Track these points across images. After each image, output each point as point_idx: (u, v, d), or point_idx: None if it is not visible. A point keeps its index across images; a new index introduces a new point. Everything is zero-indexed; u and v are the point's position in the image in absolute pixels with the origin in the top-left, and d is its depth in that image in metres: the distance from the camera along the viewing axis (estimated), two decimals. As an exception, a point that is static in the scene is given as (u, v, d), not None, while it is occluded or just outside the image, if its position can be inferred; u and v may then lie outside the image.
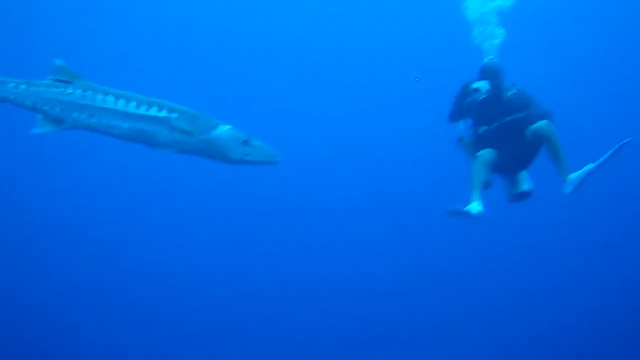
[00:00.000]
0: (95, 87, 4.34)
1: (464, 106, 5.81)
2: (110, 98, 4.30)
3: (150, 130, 4.29)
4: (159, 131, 4.29)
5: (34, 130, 4.31)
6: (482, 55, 6.07)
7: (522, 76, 5.93)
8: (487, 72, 5.72)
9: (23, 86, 4.29)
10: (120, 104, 4.29)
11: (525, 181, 5.78)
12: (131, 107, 4.29)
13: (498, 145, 5.52)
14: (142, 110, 4.29)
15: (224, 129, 4.35)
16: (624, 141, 5.08)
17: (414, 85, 12.04)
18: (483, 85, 5.69)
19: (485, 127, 5.60)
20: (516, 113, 5.57)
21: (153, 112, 4.30)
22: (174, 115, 4.31)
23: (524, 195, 5.77)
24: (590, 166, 5.20)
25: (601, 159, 5.18)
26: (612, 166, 5.23)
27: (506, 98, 5.61)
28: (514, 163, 5.63)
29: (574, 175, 5.20)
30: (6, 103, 4.35)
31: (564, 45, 13.17)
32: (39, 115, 4.32)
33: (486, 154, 5.40)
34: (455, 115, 5.94)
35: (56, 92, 4.29)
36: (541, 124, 5.33)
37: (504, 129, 5.55)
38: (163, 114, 4.31)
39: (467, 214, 5.18)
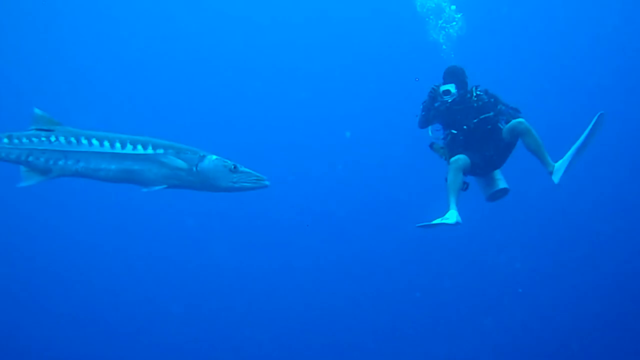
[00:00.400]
0: (77, 133, 4.28)
1: (433, 111, 5.87)
2: (95, 141, 4.25)
3: (139, 169, 4.26)
4: (147, 169, 4.27)
5: (21, 183, 4.22)
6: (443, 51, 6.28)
7: (485, 74, 6.12)
8: (450, 75, 5.85)
9: (5, 140, 4.18)
10: (106, 146, 4.25)
11: (500, 180, 5.88)
12: (117, 147, 4.25)
13: (470, 147, 5.62)
14: (128, 150, 4.26)
15: (211, 159, 4.37)
16: (597, 115, 5.14)
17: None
18: (451, 87, 5.76)
19: (456, 131, 5.70)
20: (484, 113, 5.67)
21: (139, 150, 4.28)
22: (160, 151, 4.30)
23: (500, 194, 5.88)
24: (572, 149, 5.26)
25: (580, 139, 5.24)
26: (594, 146, 5.26)
27: (473, 100, 5.73)
28: (487, 163, 5.72)
29: (559, 163, 5.29)
30: None
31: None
32: (23, 168, 4.22)
33: (459, 159, 5.46)
34: (425, 121, 5.99)
35: (39, 142, 4.20)
36: (515, 121, 5.44)
37: (474, 130, 5.67)
38: (149, 151, 4.29)
39: (445, 225, 5.20)
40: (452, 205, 5.29)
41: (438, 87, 5.85)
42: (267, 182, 4.44)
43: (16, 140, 4.19)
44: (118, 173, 4.26)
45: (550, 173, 5.30)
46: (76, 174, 4.27)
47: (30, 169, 4.21)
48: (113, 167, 4.24)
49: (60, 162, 4.21)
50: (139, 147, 4.29)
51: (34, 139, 4.21)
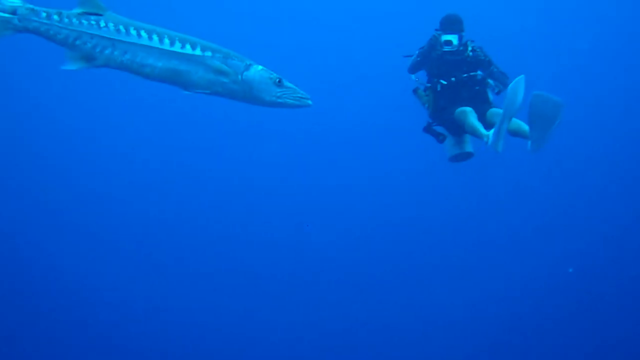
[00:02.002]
0: (126, 22, 4.09)
1: (428, 58, 5.81)
2: (144, 34, 4.07)
3: (185, 69, 4.11)
4: (193, 71, 4.13)
5: (65, 66, 4.03)
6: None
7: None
8: (451, 24, 5.76)
9: (55, 17, 3.98)
10: (155, 40, 4.08)
11: (468, 143, 5.84)
12: (166, 44, 4.09)
13: (456, 101, 5.58)
14: (176, 48, 4.10)
15: (257, 69, 4.24)
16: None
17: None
18: (453, 38, 5.68)
19: (445, 82, 5.66)
20: (476, 70, 5.67)
21: (187, 49, 4.12)
22: (208, 53, 4.16)
23: (464, 157, 5.86)
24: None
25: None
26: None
27: (468, 53, 5.68)
28: None
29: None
30: (32, 35, 4.01)
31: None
32: (68, 51, 4.04)
33: (465, 110, 5.39)
34: (417, 66, 5.93)
35: (89, 25, 4.01)
36: (491, 114, 5.37)
37: (462, 84, 5.64)
38: (197, 52, 4.14)
39: (487, 144, 5.00)
40: (482, 132, 5.14)
41: (440, 35, 5.75)
42: (310, 102, 4.32)
43: (66, 20, 4.00)
44: (163, 71, 4.11)
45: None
46: (121, 67, 4.10)
47: (75, 53, 4.03)
48: (159, 64, 4.08)
49: (107, 51, 4.04)
50: (188, 46, 4.13)
51: (83, 21, 4.02)
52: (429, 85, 5.80)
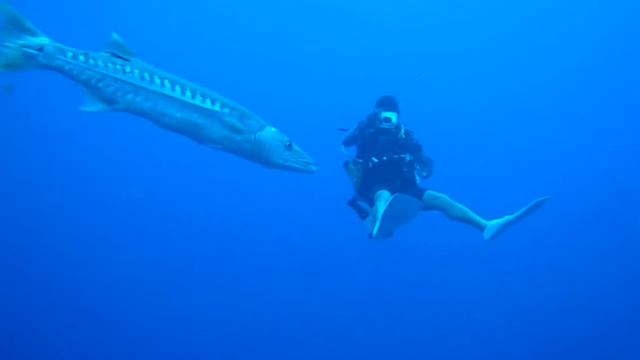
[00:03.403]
0: (151, 69, 4.11)
1: (364, 134, 5.83)
2: (167, 84, 4.10)
3: (202, 123, 4.14)
4: (209, 125, 4.16)
5: (84, 107, 4.00)
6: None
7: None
8: (390, 103, 5.82)
9: (81, 57, 3.98)
10: (177, 91, 4.11)
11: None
12: (187, 95, 4.13)
13: (383, 179, 5.62)
14: (197, 101, 4.14)
15: (270, 131, 4.30)
16: (542, 198, 5.01)
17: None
18: (393, 116, 5.76)
19: (377, 160, 5.65)
20: (405, 152, 5.70)
21: (207, 104, 4.16)
22: (226, 110, 4.21)
23: (385, 235, 5.61)
24: (508, 218, 5.15)
25: (519, 212, 5.07)
26: (530, 219, 5.17)
27: (401, 134, 5.74)
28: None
29: (492, 223, 5.19)
30: (57, 73, 3.98)
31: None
32: (88, 92, 4.01)
33: (383, 193, 5.38)
34: (352, 140, 5.95)
35: (114, 69, 4.02)
36: (436, 195, 5.39)
37: (391, 164, 5.65)
38: (216, 107, 4.18)
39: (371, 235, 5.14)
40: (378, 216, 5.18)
41: (380, 111, 5.81)
42: (314, 168, 4.42)
43: (92, 61, 4.00)
44: (181, 122, 4.13)
45: (482, 229, 5.22)
46: (140, 113, 4.10)
47: (96, 95, 4.01)
48: (178, 115, 4.10)
49: (129, 96, 4.04)
50: (208, 100, 4.18)
51: (109, 64, 4.03)
52: (360, 161, 5.78)
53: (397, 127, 5.77)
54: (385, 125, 5.73)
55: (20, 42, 3.91)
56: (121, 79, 4.04)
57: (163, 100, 4.10)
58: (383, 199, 5.29)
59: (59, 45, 4.01)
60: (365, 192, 5.71)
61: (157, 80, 4.11)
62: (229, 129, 4.22)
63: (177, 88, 4.14)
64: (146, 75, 4.09)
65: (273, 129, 4.36)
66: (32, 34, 3.95)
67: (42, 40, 3.97)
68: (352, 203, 5.77)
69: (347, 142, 5.96)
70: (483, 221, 5.25)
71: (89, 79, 4.01)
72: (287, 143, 4.34)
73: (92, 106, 4.03)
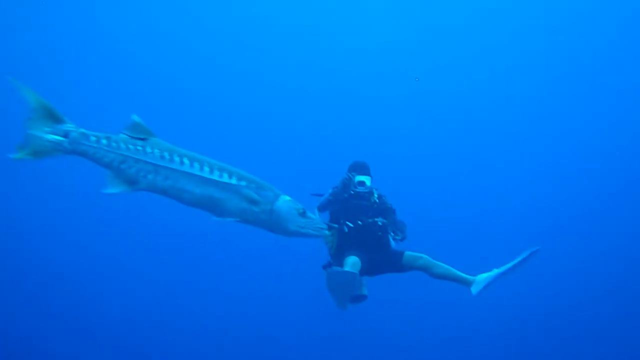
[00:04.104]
0: (170, 148, 4.22)
1: (339, 199, 5.88)
2: (186, 161, 4.21)
3: (220, 197, 4.24)
4: (228, 198, 4.25)
5: (107, 190, 4.10)
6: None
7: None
8: (363, 168, 5.91)
9: (104, 141, 4.09)
10: (196, 168, 4.20)
11: (364, 286, 5.67)
12: (205, 171, 4.23)
13: (357, 243, 5.62)
14: (215, 176, 4.24)
15: (285, 200, 4.41)
16: (533, 250, 5.11)
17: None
18: (367, 180, 5.83)
19: (352, 224, 5.66)
20: (379, 216, 5.70)
21: (225, 178, 4.27)
22: (243, 183, 4.31)
23: (359, 299, 5.62)
24: (496, 271, 5.21)
25: (508, 265, 5.16)
26: (520, 272, 5.23)
27: (374, 200, 5.80)
28: (372, 266, 5.60)
29: (480, 277, 5.23)
30: (80, 157, 4.10)
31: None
32: (110, 174, 4.12)
33: (355, 262, 5.39)
34: (327, 205, 5.97)
35: (135, 150, 4.12)
36: (416, 256, 5.43)
37: (365, 229, 5.65)
38: (234, 181, 4.29)
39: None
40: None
41: (354, 176, 5.87)
42: (326, 232, 4.59)
43: (114, 144, 4.11)
44: (200, 198, 4.23)
45: (469, 285, 5.25)
46: (161, 192, 4.21)
47: (118, 177, 4.12)
48: (197, 191, 4.20)
49: (150, 176, 4.14)
50: (225, 175, 4.29)
51: (130, 146, 4.13)
52: (335, 226, 5.74)
53: (370, 191, 5.82)
54: (360, 189, 5.80)
55: (47, 129, 4.02)
56: (142, 159, 4.15)
57: (183, 178, 4.20)
58: (349, 265, 5.33)
59: (82, 130, 4.11)
60: (339, 257, 5.67)
61: (177, 159, 4.21)
62: (247, 201, 4.32)
63: (196, 165, 4.24)
64: (166, 154, 4.20)
65: (287, 198, 4.47)
66: (59, 121, 4.07)
67: (68, 127, 4.08)
68: (327, 267, 5.76)
69: (322, 208, 5.99)
70: (469, 277, 5.32)
71: (112, 161, 4.12)
72: (302, 210, 4.46)
73: (115, 188, 4.13)
